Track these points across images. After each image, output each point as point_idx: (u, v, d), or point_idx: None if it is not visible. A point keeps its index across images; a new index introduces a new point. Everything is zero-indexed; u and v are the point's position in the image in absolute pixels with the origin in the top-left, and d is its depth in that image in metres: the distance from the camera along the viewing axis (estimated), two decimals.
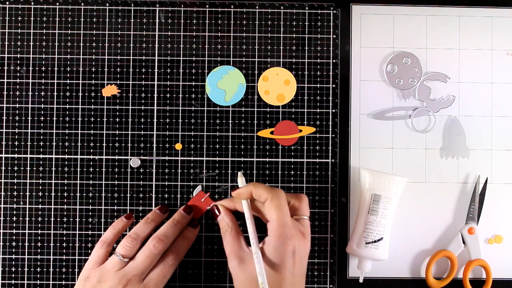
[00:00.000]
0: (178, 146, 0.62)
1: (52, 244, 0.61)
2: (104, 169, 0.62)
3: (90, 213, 0.61)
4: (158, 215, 0.59)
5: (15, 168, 0.61)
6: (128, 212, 0.61)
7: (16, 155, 0.62)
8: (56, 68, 0.62)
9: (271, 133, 0.62)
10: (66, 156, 0.62)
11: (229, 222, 0.57)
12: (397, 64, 0.62)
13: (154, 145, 0.62)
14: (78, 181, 0.62)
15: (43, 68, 0.62)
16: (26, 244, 0.61)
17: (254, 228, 0.55)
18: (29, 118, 0.62)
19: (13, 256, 0.61)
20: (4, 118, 0.62)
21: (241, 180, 0.58)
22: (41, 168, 0.61)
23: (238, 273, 0.54)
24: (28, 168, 0.61)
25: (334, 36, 0.63)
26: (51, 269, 0.61)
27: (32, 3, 0.62)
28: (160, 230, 0.57)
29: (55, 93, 0.62)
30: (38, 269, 0.61)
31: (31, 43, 0.62)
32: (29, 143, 0.62)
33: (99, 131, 0.62)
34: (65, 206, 0.61)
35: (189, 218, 0.59)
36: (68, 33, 0.62)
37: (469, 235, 0.61)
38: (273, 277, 0.53)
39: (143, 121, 0.62)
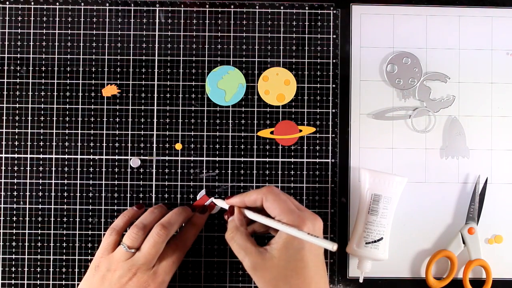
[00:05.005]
0: (178, 146, 0.62)
1: (52, 244, 0.61)
2: (104, 169, 0.62)
3: (90, 213, 0.61)
4: (163, 207, 0.59)
5: (15, 168, 0.61)
6: None
7: (16, 155, 0.61)
8: (56, 68, 0.62)
9: (271, 133, 0.62)
10: (66, 156, 0.62)
11: (238, 225, 0.56)
12: (397, 64, 0.62)
13: (154, 145, 0.62)
14: (78, 181, 0.62)
15: (43, 68, 0.62)
16: (26, 244, 0.61)
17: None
18: (29, 118, 0.62)
19: (13, 256, 0.61)
20: (4, 118, 0.62)
21: (220, 202, 0.60)
22: (41, 168, 0.61)
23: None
24: (28, 168, 0.61)
25: (334, 36, 0.63)
26: (51, 269, 0.61)
27: (32, 3, 0.62)
28: (164, 217, 0.56)
29: (55, 93, 0.62)
30: (38, 269, 0.61)
31: (31, 43, 0.62)
32: (29, 143, 0.62)
33: (99, 131, 0.62)
34: (65, 206, 0.61)
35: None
36: (68, 33, 0.62)
37: (469, 235, 0.61)
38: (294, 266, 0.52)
39: (143, 121, 0.62)
